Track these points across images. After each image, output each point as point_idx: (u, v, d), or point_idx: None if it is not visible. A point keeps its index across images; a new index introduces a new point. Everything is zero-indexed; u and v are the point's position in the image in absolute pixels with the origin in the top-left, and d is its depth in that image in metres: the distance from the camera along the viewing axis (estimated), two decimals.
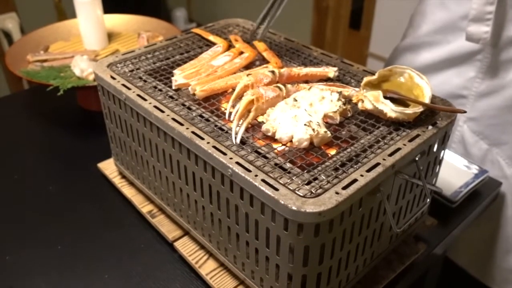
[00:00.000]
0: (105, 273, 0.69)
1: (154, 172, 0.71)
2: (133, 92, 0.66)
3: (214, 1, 3.06)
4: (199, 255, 0.69)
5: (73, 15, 1.12)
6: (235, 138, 0.56)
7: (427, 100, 0.60)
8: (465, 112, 0.60)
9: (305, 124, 0.56)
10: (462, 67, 0.90)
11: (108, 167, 0.86)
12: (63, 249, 0.72)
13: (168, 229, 0.73)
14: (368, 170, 0.52)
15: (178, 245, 0.71)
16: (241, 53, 0.76)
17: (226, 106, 0.64)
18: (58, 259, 0.71)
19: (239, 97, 0.62)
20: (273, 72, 0.66)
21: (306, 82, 0.70)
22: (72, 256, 0.71)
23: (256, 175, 0.51)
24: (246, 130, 0.58)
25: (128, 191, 0.81)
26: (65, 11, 2.28)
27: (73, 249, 0.73)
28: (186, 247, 0.70)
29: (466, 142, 0.94)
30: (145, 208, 0.77)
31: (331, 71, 0.71)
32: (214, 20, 0.90)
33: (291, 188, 0.49)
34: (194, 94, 0.66)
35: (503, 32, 0.82)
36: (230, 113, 0.60)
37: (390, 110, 0.59)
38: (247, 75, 0.66)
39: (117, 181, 0.83)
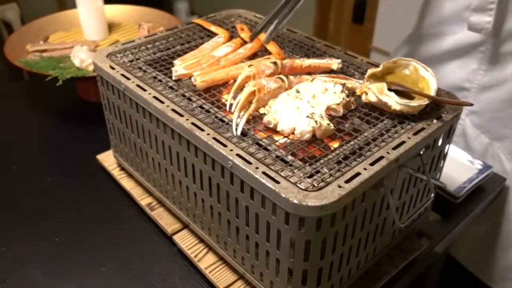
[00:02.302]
0: (103, 266, 0.68)
1: (153, 164, 0.69)
2: (133, 82, 0.65)
3: None
4: (199, 248, 0.68)
5: (73, 5, 1.11)
6: (236, 129, 0.55)
7: (432, 92, 0.59)
8: (471, 104, 0.59)
9: (307, 116, 0.55)
10: (465, 59, 0.89)
11: (107, 159, 0.85)
12: (61, 241, 0.72)
13: (167, 222, 0.72)
14: (372, 164, 0.51)
15: (177, 238, 0.70)
16: (244, 43, 0.75)
17: (227, 97, 0.62)
18: (55, 251, 0.70)
19: (240, 88, 0.61)
20: (275, 63, 0.65)
21: (309, 74, 0.69)
22: (70, 248, 0.71)
23: (257, 168, 0.50)
24: (247, 121, 0.57)
25: (127, 183, 0.80)
26: (66, 2, 2.27)
27: (71, 241, 0.72)
28: (185, 241, 0.69)
29: (468, 135, 0.93)
30: (144, 200, 0.76)
31: (335, 63, 0.69)
32: (216, 12, 0.89)
33: (293, 181, 0.48)
34: (195, 85, 0.65)
35: (506, 23, 0.80)
36: (231, 105, 0.59)
37: (395, 102, 0.58)
38: (249, 65, 0.64)
39: (116, 173, 0.82)
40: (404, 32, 1.07)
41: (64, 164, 0.88)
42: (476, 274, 0.99)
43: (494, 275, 0.96)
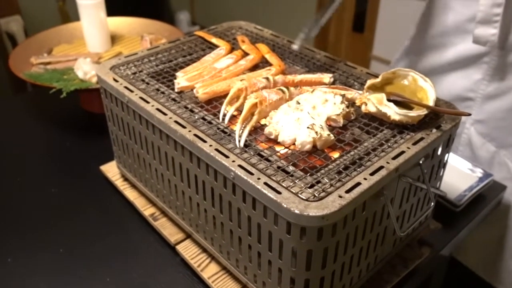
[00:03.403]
0: (107, 276, 0.68)
1: (156, 175, 0.70)
2: (136, 94, 0.66)
3: (217, 4, 3.07)
4: (201, 258, 0.69)
5: (77, 17, 1.13)
6: (239, 141, 0.56)
7: (431, 102, 0.60)
8: (469, 114, 0.59)
9: (308, 127, 0.56)
10: (469, 70, 0.90)
11: (111, 169, 0.85)
12: (65, 252, 0.72)
13: (170, 232, 0.73)
14: (372, 174, 0.52)
15: (180, 248, 0.71)
16: (245, 55, 0.76)
17: (228, 109, 0.63)
18: (60, 262, 0.71)
19: (233, 100, 0.62)
20: (267, 78, 0.66)
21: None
22: (74, 259, 0.71)
23: (258, 178, 0.51)
24: (249, 133, 0.58)
25: (130, 194, 0.80)
26: (69, 14, 2.29)
27: (75, 251, 0.72)
28: (188, 250, 0.70)
29: (473, 144, 0.94)
30: (147, 211, 0.77)
31: (326, 77, 0.70)
32: (217, 23, 0.90)
33: (294, 191, 0.49)
34: (197, 97, 0.66)
35: (511, 34, 0.81)
36: (224, 115, 0.60)
37: (394, 112, 0.59)
38: (241, 80, 0.65)
39: (120, 183, 0.83)
40: (404, 41, 1.08)
41: (68, 175, 0.89)
42: (486, 279, 1.00)
43: (504, 279, 0.97)
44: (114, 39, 1.17)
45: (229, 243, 0.61)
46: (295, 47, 0.75)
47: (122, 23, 1.23)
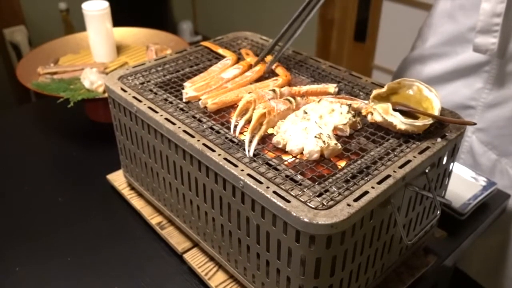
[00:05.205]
0: (114, 285, 0.69)
1: (164, 184, 0.71)
2: (144, 104, 0.67)
3: (219, 14, 3.09)
4: (209, 266, 0.69)
5: (80, 27, 1.14)
6: (249, 151, 0.57)
7: (436, 112, 0.61)
8: (474, 124, 0.60)
9: (315, 136, 0.57)
10: (470, 78, 0.91)
11: (117, 178, 0.86)
12: (73, 261, 0.73)
13: (177, 241, 0.73)
14: (379, 182, 0.52)
15: (187, 256, 0.71)
16: (251, 66, 0.77)
17: (238, 121, 0.64)
18: (68, 270, 0.71)
19: (242, 112, 0.63)
20: (274, 90, 0.67)
21: None
22: (82, 267, 0.72)
23: (267, 187, 0.51)
24: (257, 142, 0.59)
25: (137, 203, 0.81)
26: (72, 24, 2.31)
27: (83, 260, 0.73)
28: (195, 259, 0.70)
29: (475, 152, 0.94)
30: (154, 219, 0.78)
31: (331, 87, 0.71)
32: (219, 33, 0.91)
33: (303, 200, 0.50)
34: (205, 107, 0.67)
35: (510, 43, 0.82)
36: (235, 127, 0.61)
37: (400, 122, 0.59)
38: (249, 92, 0.66)
39: (126, 192, 0.83)
40: (405, 50, 1.09)
41: (75, 184, 0.89)
42: (487, 287, 1.00)
43: (506, 287, 0.97)
44: (119, 49, 1.18)
45: (237, 251, 0.62)
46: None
47: (127, 33, 1.24)
